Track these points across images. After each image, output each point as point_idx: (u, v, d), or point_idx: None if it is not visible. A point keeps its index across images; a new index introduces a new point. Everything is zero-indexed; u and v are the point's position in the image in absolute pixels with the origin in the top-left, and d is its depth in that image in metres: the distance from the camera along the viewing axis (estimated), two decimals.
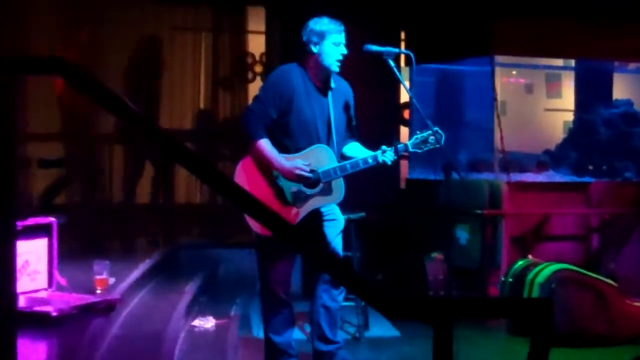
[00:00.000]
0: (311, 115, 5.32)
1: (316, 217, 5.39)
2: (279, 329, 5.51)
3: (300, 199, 5.26)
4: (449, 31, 8.94)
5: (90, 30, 10.37)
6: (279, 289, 5.46)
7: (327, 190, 5.29)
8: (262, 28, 10.98)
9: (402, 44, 9.60)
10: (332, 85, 5.44)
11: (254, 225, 5.16)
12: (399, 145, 5.31)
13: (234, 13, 10.99)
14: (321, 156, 5.30)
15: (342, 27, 5.39)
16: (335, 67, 5.36)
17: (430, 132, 5.29)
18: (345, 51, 5.36)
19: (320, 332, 5.53)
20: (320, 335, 5.53)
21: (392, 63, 5.39)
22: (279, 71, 5.47)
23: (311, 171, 5.26)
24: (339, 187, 5.32)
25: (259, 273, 5.59)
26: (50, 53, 9.58)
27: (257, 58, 11.18)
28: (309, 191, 5.26)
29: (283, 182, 5.25)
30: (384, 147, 5.28)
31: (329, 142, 5.35)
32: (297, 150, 5.29)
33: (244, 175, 5.27)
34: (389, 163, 5.28)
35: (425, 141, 5.31)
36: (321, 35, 5.33)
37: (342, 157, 5.41)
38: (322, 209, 5.42)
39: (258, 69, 11.14)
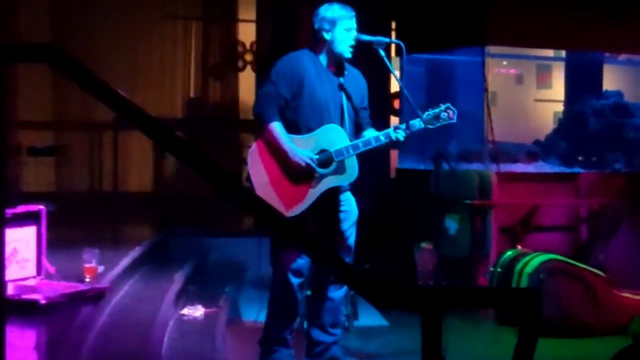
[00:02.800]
0: (323, 97, 5.31)
1: (333, 203, 5.38)
2: (283, 321, 5.46)
3: (314, 178, 5.26)
4: (441, 21, 8.93)
5: (80, 18, 10.36)
6: (294, 278, 5.37)
7: (340, 170, 5.27)
8: (253, 16, 10.99)
9: (393, 34, 9.60)
10: (345, 72, 5.45)
11: (272, 202, 5.11)
12: (410, 122, 5.30)
13: (224, 1, 11.00)
14: (333, 135, 5.28)
15: (353, 13, 5.40)
16: (347, 53, 5.37)
17: (442, 107, 5.33)
18: (356, 34, 5.37)
19: (320, 320, 5.49)
20: (319, 324, 5.50)
21: (382, 53, 5.40)
22: (290, 55, 5.46)
23: (323, 151, 5.25)
24: (352, 165, 5.30)
25: (271, 262, 5.49)
26: (40, 40, 9.57)
27: (248, 46, 11.18)
28: (322, 171, 5.24)
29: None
30: (395, 125, 5.29)
31: (341, 125, 5.35)
32: (309, 130, 5.28)
33: (259, 156, 5.24)
34: (402, 139, 5.27)
35: (437, 117, 5.34)
36: (333, 22, 5.34)
37: None
38: (340, 197, 5.42)
39: (248, 57, 11.14)
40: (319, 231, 5.36)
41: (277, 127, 5.20)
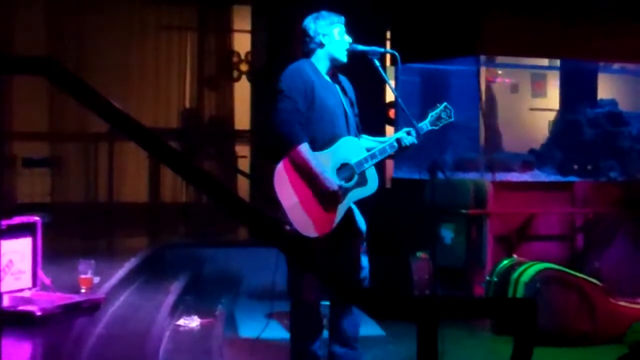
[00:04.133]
0: (331, 107, 5.30)
1: (350, 210, 5.36)
2: (309, 338, 5.40)
3: (339, 195, 5.23)
4: (435, 31, 8.94)
5: (76, 29, 10.36)
6: (313, 297, 5.35)
7: (363, 181, 5.28)
8: (248, 27, 11.00)
9: (388, 44, 9.61)
10: (339, 78, 5.48)
11: (301, 226, 5.11)
12: (418, 125, 5.35)
13: (219, 12, 11.00)
14: (350, 148, 5.29)
15: (343, 18, 5.43)
16: (344, 57, 5.38)
17: (441, 107, 5.41)
18: (350, 39, 5.38)
19: (342, 335, 5.46)
20: (340, 339, 5.46)
21: (377, 62, 5.41)
22: (294, 66, 5.39)
23: (344, 165, 5.25)
24: (372, 175, 5.31)
25: (288, 281, 5.44)
26: (35, 52, 9.57)
27: (243, 57, 11.19)
28: (346, 185, 5.23)
29: None
30: (406, 129, 5.33)
31: (348, 131, 5.37)
32: (323, 140, 5.24)
33: (287, 176, 5.17)
34: (408, 144, 5.31)
35: (439, 117, 5.42)
36: (327, 28, 5.36)
37: None
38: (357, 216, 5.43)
39: (244, 67, 11.15)
40: (343, 238, 5.35)
41: (306, 149, 5.14)
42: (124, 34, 10.71)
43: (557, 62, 10.73)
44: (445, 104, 5.43)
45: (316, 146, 5.22)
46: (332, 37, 5.36)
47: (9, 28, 9.62)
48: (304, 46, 5.44)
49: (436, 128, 5.42)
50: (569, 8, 8.60)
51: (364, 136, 5.52)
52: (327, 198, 5.19)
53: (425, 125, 5.39)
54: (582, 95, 9.93)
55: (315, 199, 5.17)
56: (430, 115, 5.41)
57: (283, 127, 5.17)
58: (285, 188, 5.16)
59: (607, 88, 10.68)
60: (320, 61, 5.40)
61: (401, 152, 5.47)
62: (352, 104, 5.50)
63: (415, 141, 5.33)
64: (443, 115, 5.41)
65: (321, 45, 5.38)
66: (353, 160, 5.25)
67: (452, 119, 5.44)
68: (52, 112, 10.31)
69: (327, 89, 5.35)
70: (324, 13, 5.40)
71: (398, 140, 5.31)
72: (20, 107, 9.44)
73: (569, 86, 10.35)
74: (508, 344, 2.91)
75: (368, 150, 5.32)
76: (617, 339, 6.78)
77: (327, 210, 5.19)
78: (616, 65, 10.87)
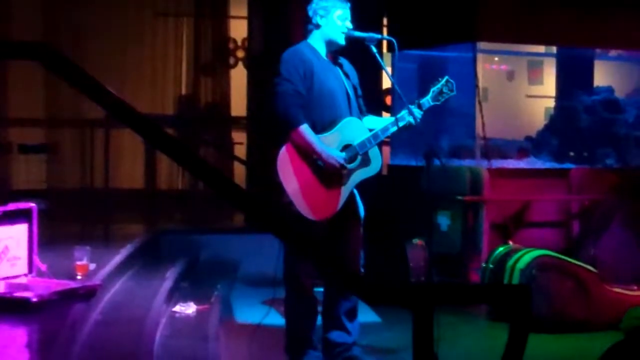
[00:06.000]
0: (331, 89, 5.29)
1: (352, 194, 5.36)
2: (304, 324, 5.40)
3: (343, 176, 5.23)
4: (432, 17, 8.93)
5: (71, 16, 10.35)
6: (309, 282, 5.35)
7: (366, 162, 5.27)
8: (244, 13, 10.98)
9: (385, 30, 9.60)
10: (339, 61, 5.47)
11: (303, 212, 5.10)
12: (421, 101, 5.35)
13: None
14: (353, 129, 5.28)
15: (348, 4, 5.41)
16: (341, 39, 5.35)
17: (442, 81, 5.40)
18: (351, 25, 5.36)
19: (339, 322, 5.45)
20: (339, 326, 5.46)
21: (374, 49, 5.39)
22: (292, 49, 5.38)
23: (347, 146, 5.23)
24: (376, 156, 5.31)
25: (284, 263, 5.42)
26: (31, 38, 9.56)
27: (239, 43, 11.19)
28: (350, 166, 5.23)
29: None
30: (409, 107, 5.30)
31: (350, 113, 5.35)
32: (323, 123, 5.24)
33: (288, 161, 5.15)
34: (415, 122, 5.29)
35: (441, 92, 5.40)
36: (326, 9, 5.33)
37: None
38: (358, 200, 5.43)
39: (240, 54, 11.15)
40: (344, 223, 5.34)
41: (306, 130, 5.12)
42: (119, 21, 10.70)
43: (554, 49, 10.73)
44: (446, 77, 5.39)
45: (317, 128, 5.20)
46: (330, 19, 5.33)
47: (6, 16, 9.60)
48: (304, 26, 5.45)
49: (438, 103, 5.40)
50: None
51: (369, 116, 5.51)
52: (331, 179, 5.18)
53: (427, 101, 5.37)
54: (578, 83, 9.93)
55: (319, 183, 5.16)
56: (431, 90, 5.39)
57: (283, 111, 5.15)
58: (288, 173, 5.14)
59: (603, 75, 10.69)
60: (317, 43, 5.38)
61: (402, 131, 5.41)
62: (354, 86, 5.49)
63: (414, 121, 5.28)
64: (445, 89, 5.38)
65: (317, 26, 5.36)
66: (356, 141, 5.24)
67: (454, 92, 5.42)
68: (47, 99, 10.31)
69: (327, 71, 5.33)
70: None
71: (401, 118, 5.28)
72: (16, 93, 9.43)
73: (565, 73, 10.35)
74: (504, 330, 2.91)
75: (370, 130, 5.32)
76: (613, 325, 6.79)
77: (330, 193, 5.19)
78: (612, 52, 10.87)
